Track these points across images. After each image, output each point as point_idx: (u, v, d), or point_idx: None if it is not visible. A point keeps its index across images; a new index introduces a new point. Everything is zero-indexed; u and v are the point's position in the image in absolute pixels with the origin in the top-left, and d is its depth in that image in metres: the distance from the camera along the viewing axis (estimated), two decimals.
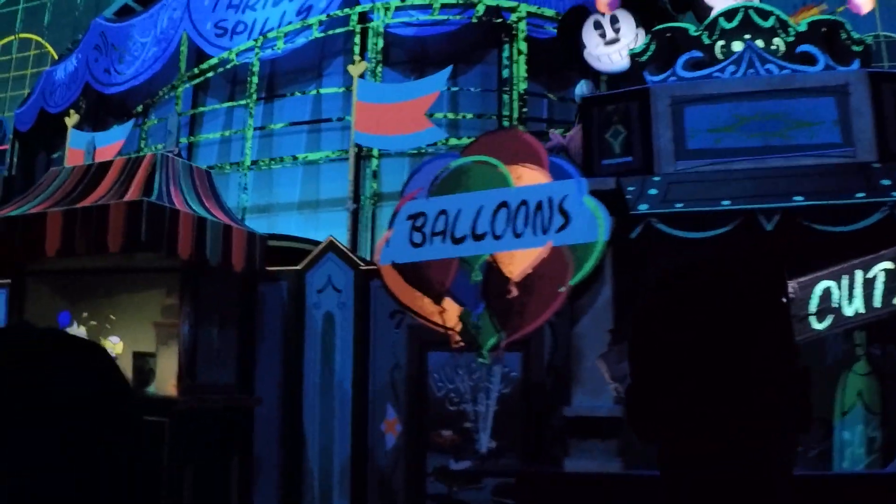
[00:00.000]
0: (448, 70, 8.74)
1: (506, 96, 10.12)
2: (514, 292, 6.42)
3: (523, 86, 9.93)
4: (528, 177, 6.61)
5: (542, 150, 6.71)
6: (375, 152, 9.44)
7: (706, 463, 1.46)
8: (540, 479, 6.71)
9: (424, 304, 6.91)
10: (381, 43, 10.36)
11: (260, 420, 8.07)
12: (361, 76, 8.94)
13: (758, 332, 1.49)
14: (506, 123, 9.95)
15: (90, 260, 8.17)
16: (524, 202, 6.58)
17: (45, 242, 7.41)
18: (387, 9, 10.48)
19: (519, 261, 6.47)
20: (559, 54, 10.09)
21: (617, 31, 8.24)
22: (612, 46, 8.25)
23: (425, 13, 10.47)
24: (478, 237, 6.69)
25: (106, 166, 8.01)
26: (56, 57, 14.76)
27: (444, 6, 10.45)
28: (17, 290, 8.75)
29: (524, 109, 9.86)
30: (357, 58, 9.17)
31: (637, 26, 8.23)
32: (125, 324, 8.67)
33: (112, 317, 8.67)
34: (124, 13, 13.54)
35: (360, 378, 7.84)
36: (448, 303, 6.64)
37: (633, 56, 7.54)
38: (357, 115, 8.72)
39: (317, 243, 8.96)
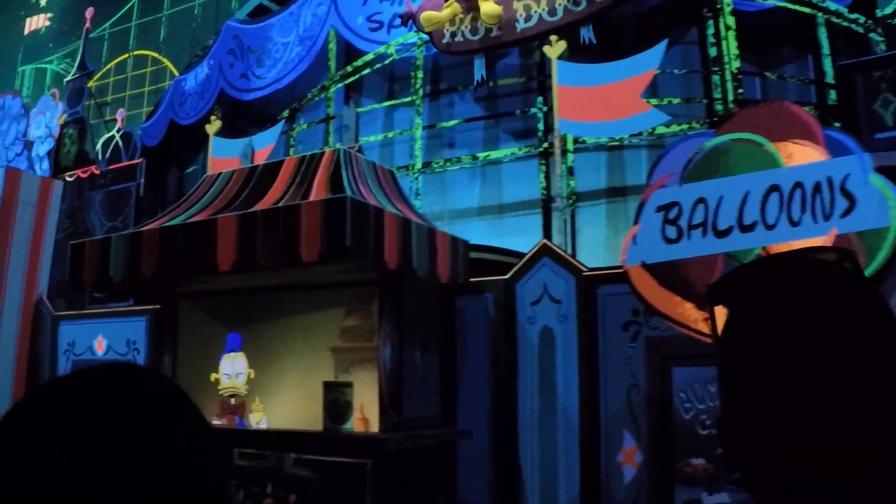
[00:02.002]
0: (664, 44, 8.03)
1: (715, 77, 9.14)
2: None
3: (736, 64, 9.13)
4: (801, 154, 5.94)
5: (816, 124, 6.01)
6: (570, 146, 8.57)
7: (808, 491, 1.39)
8: None
9: (685, 311, 6.12)
10: None
11: (465, 456, 7.42)
12: (561, 57, 8.03)
13: (863, 344, 1.41)
14: (718, 107, 9.07)
15: (248, 277, 7.43)
16: (799, 184, 5.88)
17: (215, 255, 6.52)
18: None
19: None
20: (773, 27, 9.32)
21: None
22: None
23: None
24: (746, 228, 6.00)
25: (274, 167, 7.37)
26: (175, 72, 14.31)
27: None
28: (169, 315, 8.07)
29: (740, 91, 8.99)
30: (553, 37, 8.37)
31: None
32: (294, 349, 7.95)
33: (278, 342, 7.93)
34: (259, 13, 13.00)
35: (589, 402, 7.10)
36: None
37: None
38: (560, 100, 7.91)
39: (513, 252, 8.18)
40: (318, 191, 6.59)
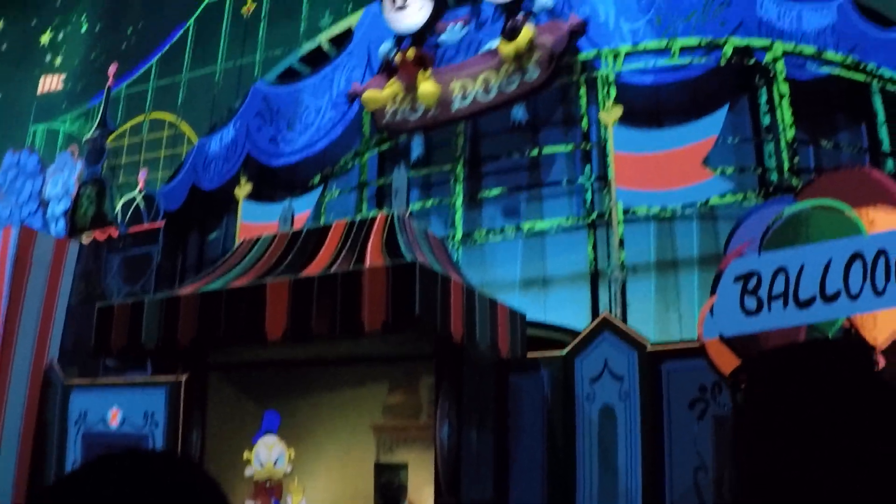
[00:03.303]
0: (724, 110, 8.04)
1: (770, 145, 9.06)
2: (882, 363, 5.69)
3: (791, 133, 9.04)
4: (884, 221, 5.98)
5: None
6: (620, 216, 8.41)
7: None
8: None
9: None
10: (613, 93, 9.57)
11: None
12: (616, 123, 7.98)
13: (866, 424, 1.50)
14: (773, 177, 9.00)
15: (283, 349, 7.17)
16: (882, 252, 5.69)
17: (263, 323, 6.20)
18: (616, 55, 9.71)
19: (884, 324, 5.87)
20: (826, 95, 9.31)
21: None
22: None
23: (663, 57, 9.75)
24: (829, 298, 5.79)
25: (320, 232, 7.17)
26: (193, 137, 14.23)
27: (684, 49, 9.87)
28: (198, 387, 7.75)
29: (796, 159, 8.86)
30: (609, 103, 8.43)
31: None
32: (332, 427, 7.68)
33: (314, 419, 7.66)
34: (288, 76, 12.92)
35: (653, 485, 6.82)
36: None
37: None
38: (617, 168, 7.81)
39: (560, 328, 8.00)
40: (374, 256, 6.35)
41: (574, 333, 8.35)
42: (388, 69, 10.66)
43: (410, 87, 10.35)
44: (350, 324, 5.83)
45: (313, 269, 6.48)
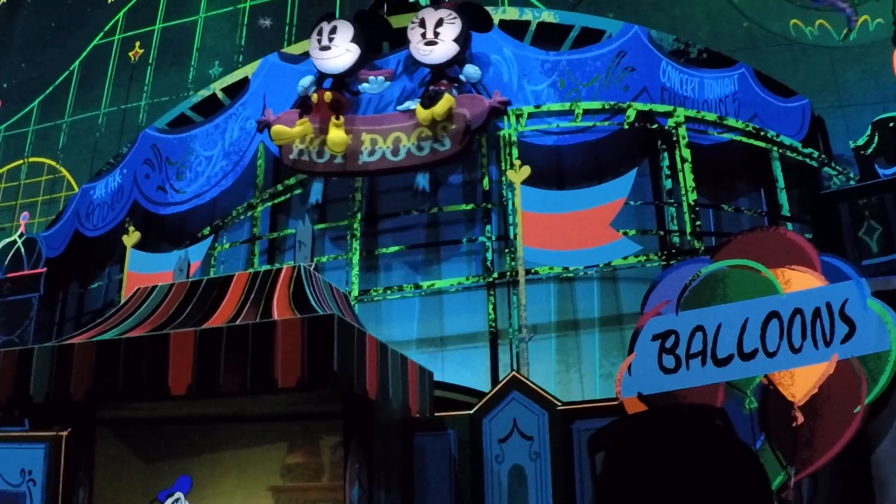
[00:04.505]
0: (633, 173, 8.27)
1: (671, 209, 9.25)
2: (800, 419, 5.88)
3: (693, 196, 9.25)
4: (799, 280, 6.13)
5: (812, 249, 6.25)
6: (521, 277, 8.39)
7: None
8: None
9: None
10: (515, 153, 9.69)
11: None
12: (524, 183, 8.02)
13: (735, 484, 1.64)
14: (675, 239, 9.25)
15: (173, 406, 6.85)
16: (799, 310, 6.03)
17: (166, 377, 5.84)
18: (519, 116, 9.85)
19: (801, 381, 5.95)
20: (727, 160, 9.58)
21: None
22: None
23: (565, 119, 9.97)
24: (746, 356, 6.06)
25: (221, 282, 6.88)
26: (73, 183, 13.77)
27: (587, 112, 10.02)
28: (84, 443, 7.28)
29: (698, 223, 9.11)
30: (517, 162, 8.53)
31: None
32: (225, 489, 7.33)
33: (206, 480, 7.31)
34: (179, 124, 12.63)
35: None
36: None
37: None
38: (525, 227, 7.82)
39: (462, 388, 7.92)
40: (282, 309, 6.11)
41: (474, 393, 8.27)
42: (302, 105, 10.47)
43: (321, 130, 10.20)
44: (262, 379, 5.55)
45: (217, 320, 6.20)
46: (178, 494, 6.96)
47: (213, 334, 5.83)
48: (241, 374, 5.61)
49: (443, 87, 9.81)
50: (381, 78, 10.45)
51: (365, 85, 10.51)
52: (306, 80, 10.73)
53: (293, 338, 5.52)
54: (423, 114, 9.69)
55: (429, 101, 9.68)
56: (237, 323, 5.92)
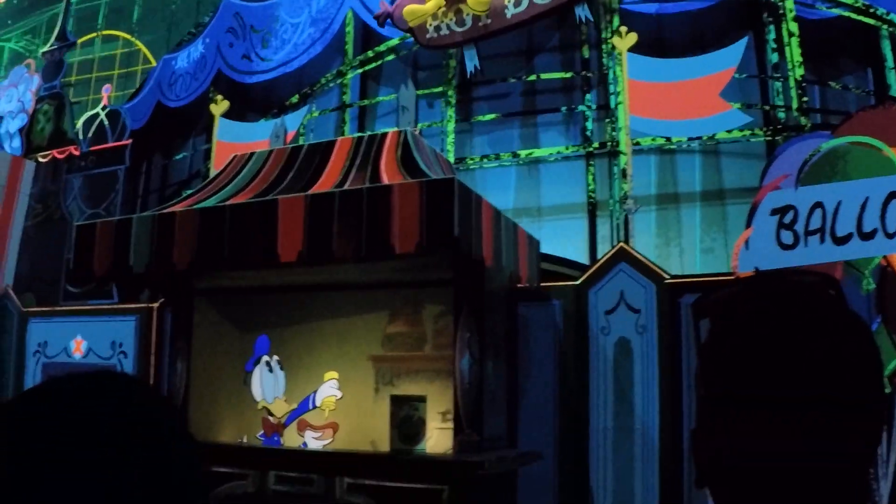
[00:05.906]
0: (744, 42, 8.04)
1: (777, 84, 9.03)
2: None
3: (800, 71, 9.03)
4: None
5: None
6: (627, 146, 8.29)
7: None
8: None
9: None
10: (616, 21, 9.44)
11: (527, 481, 6.81)
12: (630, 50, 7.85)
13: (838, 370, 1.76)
14: (781, 115, 8.96)
15: (273, 274, 6.83)
16: None
17: (275, 244, 5.76)
18: None
19: None
20: (833, 36, 9.31)
21: None
22: None
23: None
24: (866, 236, 5.86)
25: (323, 148, 6.72)
26: (150, 56, 13.71)
27: None
28: (183, 315, 7.30)
29: (804, 99, 8.87)
30: (623, 28, 8.16)
31: None
32: (325, 358, 7.37)
33: (305, 349, 7.36)
34: None
35: (671, 421, 6.78)
36: None
37: None
38: (631, 95, 7.63)
39: (563, 260, 7.87)
40: (391, 174, 6.03)
41: (573, 265, 8.27)
42: None
43: None
44: (378, 245, 5.47)
45: (323, 185, 6.13)
46: (264, 358, 7.07)
47: (324, 199, 5.73)
48: (355, 239, 5.52)
49: None
50: None
51: None
52: None
53: (411, 202, 5.39)
54: None
55: None
56: (347, 187, 5.91)
